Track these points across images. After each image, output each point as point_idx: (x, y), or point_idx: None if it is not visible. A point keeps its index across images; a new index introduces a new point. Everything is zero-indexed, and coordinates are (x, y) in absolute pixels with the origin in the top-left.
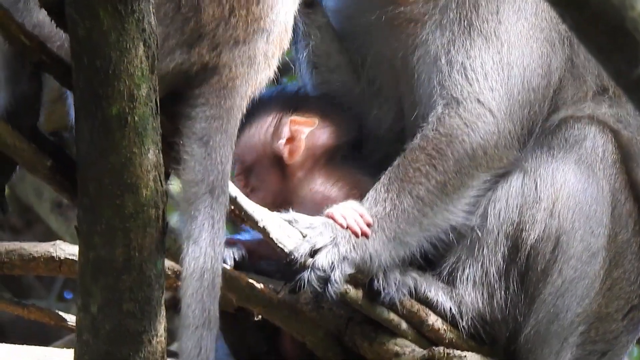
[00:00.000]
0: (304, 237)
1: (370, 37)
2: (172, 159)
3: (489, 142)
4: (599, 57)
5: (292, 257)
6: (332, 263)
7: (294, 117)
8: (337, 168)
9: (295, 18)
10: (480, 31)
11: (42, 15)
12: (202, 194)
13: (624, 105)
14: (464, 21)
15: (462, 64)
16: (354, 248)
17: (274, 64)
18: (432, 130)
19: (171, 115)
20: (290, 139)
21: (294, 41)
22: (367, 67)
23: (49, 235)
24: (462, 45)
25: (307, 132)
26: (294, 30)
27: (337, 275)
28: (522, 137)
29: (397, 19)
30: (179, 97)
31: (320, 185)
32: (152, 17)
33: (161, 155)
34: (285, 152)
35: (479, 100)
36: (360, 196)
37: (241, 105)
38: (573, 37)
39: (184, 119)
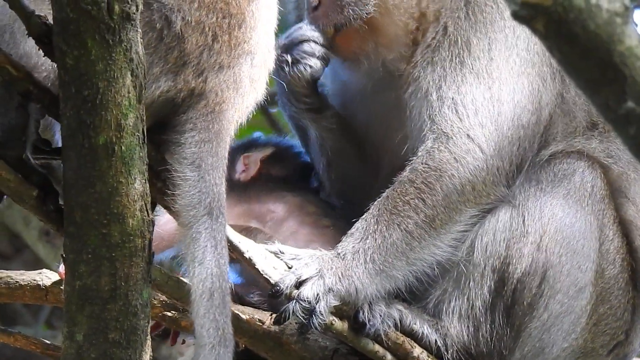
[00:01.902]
0: (289, 268)
1: (370, 100)
2: (165, 186)
3: (478, 178)
4: (587, 91)
5: (278, 288)
6: (317, 295)
7: (246, 154)
8: (288, 190)
9: (307, 125)
10: (472, 68)
11: (28, 47)
12: (200, 216)
13: (614, 140)
14: (456, 59)
15: (452, 99)
16: (339, 280)
17: (261, 87)
18: (422, 163)
19: (159, 144)
20: (244, 170)
21: (306, 144)
22: (370, 139)
23: (38, 263)
24: (454, 81)
25: (259, 157)
26: (307, 135)
27: (322, 307)
28: (511, 173)
29: (392, 65)
30: (166, 125)
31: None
32: (140, 47)
33: (148, 184)
34: (241, 178)
35: (468, 136)
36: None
37: (229, 129)
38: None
39: (173, 145)
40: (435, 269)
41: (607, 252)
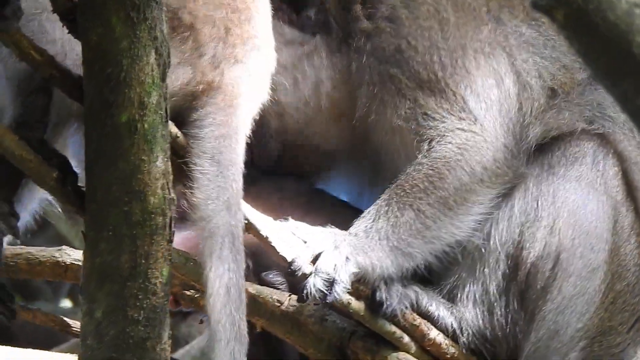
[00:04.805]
0: (305, 243)
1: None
2: (184, 176)
3: (485, 157)
4: (606, 82)
5: (294, 264)
6: (335, 265)
7: None
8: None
9: None
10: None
11: (57, 34)
12: (219, 210)
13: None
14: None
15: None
16: (354, 250)
17: (267, 86)
18: (426, 157)
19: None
20: None
21: None
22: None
23: (60, 239)
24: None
25: None
26: None
27: (342, 275)
28: (520, 149)
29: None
30: (186, 119)
31: None
32: (164, 25)
33: (169, 163)
34: None
35: (461, 129)
36: None
37: (245, 122)
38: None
39: (192, 140)
40: (455, 248)
41: (622, 229)
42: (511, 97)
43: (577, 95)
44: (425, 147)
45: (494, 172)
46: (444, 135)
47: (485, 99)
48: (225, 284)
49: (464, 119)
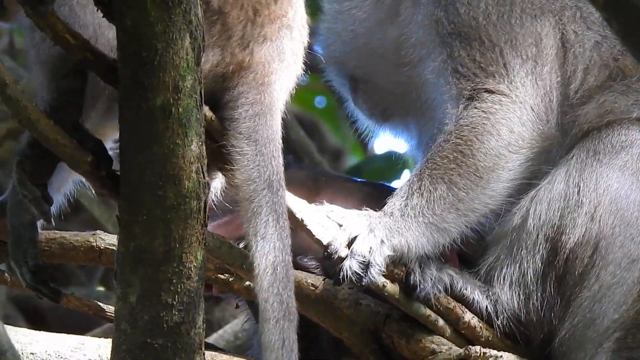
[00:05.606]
0: (340, 227)
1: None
2: (224, 160)
3: (512, 120)
4: None
5: (331, 247)
6: (370, 247)
7: None
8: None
9: None
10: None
11: (88, 19)
12: (261, 190)
13: None
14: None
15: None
16: (389, 233)
17: (300, 62)
18: (453, 124)
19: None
20: None
21: None
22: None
23: (94, 223)
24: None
25: None
26: None
27: (377, 257)
28: (551, 111)
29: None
30: (219, 102)
31: None
32: (199, 9)
33: (204, 147)
34: None
35: (488, 90)
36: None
37: (279, 99)
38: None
39: (228, 122)
40: (492, 218)
41: None
42: (545, 57)
43: (637, 80)
44: (451, 111)
45: (520, 135)
46: (470, 98)
47: (522, 54)
48: (271, 262)
49: (493, 75)
